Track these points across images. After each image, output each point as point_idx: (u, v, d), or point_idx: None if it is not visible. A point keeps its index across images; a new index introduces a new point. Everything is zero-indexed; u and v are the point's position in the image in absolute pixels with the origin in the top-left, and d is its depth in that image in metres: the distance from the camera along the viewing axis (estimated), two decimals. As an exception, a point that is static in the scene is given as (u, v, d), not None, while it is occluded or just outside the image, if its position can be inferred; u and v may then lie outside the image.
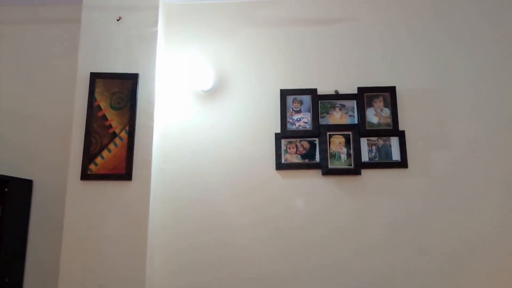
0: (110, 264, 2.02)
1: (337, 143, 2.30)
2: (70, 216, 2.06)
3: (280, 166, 2.29)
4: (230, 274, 2.20)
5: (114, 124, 2.15)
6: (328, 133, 2.30)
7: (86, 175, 2.09)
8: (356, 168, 2.26)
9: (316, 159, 2.30)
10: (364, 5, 2.46)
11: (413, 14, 2.44)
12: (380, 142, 2.30)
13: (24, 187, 2.26)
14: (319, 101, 2.36)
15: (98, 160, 2.11)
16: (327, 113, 2.36)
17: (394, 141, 2.29)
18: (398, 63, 2.39)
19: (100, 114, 2.16)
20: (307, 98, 2.37)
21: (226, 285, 2.19)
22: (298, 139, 2.33)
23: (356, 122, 2.33)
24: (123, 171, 2.10)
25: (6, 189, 2.11)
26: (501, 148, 2.27)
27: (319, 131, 2.31)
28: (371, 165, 2.28)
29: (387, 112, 2.33)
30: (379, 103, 2.34)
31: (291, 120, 2.35)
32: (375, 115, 2.33)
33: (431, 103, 2.33)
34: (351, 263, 2.19)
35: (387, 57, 2.40)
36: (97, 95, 2.18)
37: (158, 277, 2.18)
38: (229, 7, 2.48)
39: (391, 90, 2.34)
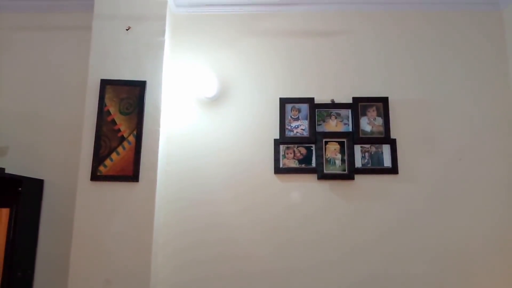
0: (117, 260, 2.11)
1: (332, 150, 2.40)
2: (80, 214, 2.15)
3: (278, 170, 2.38)
4: (229, 271, 2.28)
5: (122, 128, 2.24)
6: (324, 140, 2.39)
7: (95, 176, 2.18)
8: (350, 173, 2.35)
9: (312, 164, 2.39)
10: (360, 19, 2.56)
11: (406, 28, 2.55)
12: (373, 149, 2.40)
13: (35, 186, 2.35)
14: (316, 109, 2.44)
15: (107, 162, 2.20)
16: (323, 121, 2.45)
17: (386, 149, 2.38)
18: (391, 75, 2.48)
19: (109, 118, 2.25)
20: (304, 107, 2.45)
21: (226, 281, 2.28)
22: (296, 145, 2.41)
23: (350, 130, 2.42)
24: (131, 173, 2.19)
25: (20, 188, 2.19)
26: (486, 157, 2.38)
27: (316, 138, 2.40)
28: (364, 170, 2.36)
29: (379, 121, 2.42)
30: (372, 112, 2.43)
31: (289, 127, 2.44)
32: (369, 124, 2.43)
33: (421, 113, 2.43)
34: (344, 262, 2.28)
35: (381, 69, 2.49)
36: (106, 100, 2.27)
37: (162, 273, 2.28)
38: (232, 18, 2.57)
39: (384, 101, 2.43)
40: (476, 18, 2.55)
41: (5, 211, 2.16)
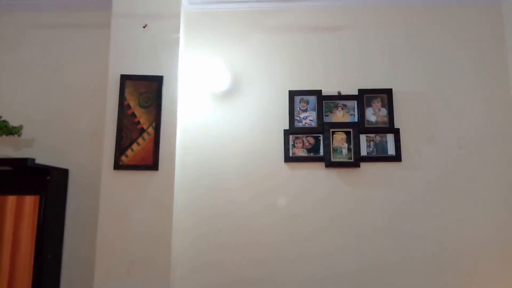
0: (140, 244, 2.25)
1: (339, 139, 2.51)
2: (105, 201, 2.29)
3: (288, 158, 2.49)
4: (243, 255, 2.42)
5: (142, 120, 2.37)
6: (331, 130, 2.50)
7: (118, 166, 2.31)
8: (355, 161, 2.46)
9: (320, 153, 2.50)
10: (365, 14, 2.65)
11: (409, 23, 2.63)
12: (378, 138, 2.50)
13: (61, 175, 2.51)
14: (323, 101, 2.54)
15: (129, 152, 2.34)
16: (331, 112, 2.56)
17: (390, 138, 2.49)
18: (395, 67, 2.58)
19: (129, 112, 2.38)
20: (312, 98, 2.56)
21: (239, 265, 2.41)
22: (304, 135, 2.53)
23: (356, 120, 2.53)
24: (151, 162, 2.32)
25: (48, 177, 2.35)
26: (485, 145, 2.48)
27: (323, 128, 2.51)
28: (369, 158, 2.47)
29: (384, 111, 2.53)
30: (377, 103, 2.54)
31: (298, 118, 2.55)
32: (373, 114, 2.53)
33: (423, 104, 2.53)
34: (350, 247, 2.40)
35: (385, 62, 2.59)
36: (127, 95, 2.39)
37: (182, 256, 2.42)
38: (243, 15, 2.67)
39: (388, 92, 2.53)
40: (477, 12, 2.63)
41: (35, 198, 2.32)
